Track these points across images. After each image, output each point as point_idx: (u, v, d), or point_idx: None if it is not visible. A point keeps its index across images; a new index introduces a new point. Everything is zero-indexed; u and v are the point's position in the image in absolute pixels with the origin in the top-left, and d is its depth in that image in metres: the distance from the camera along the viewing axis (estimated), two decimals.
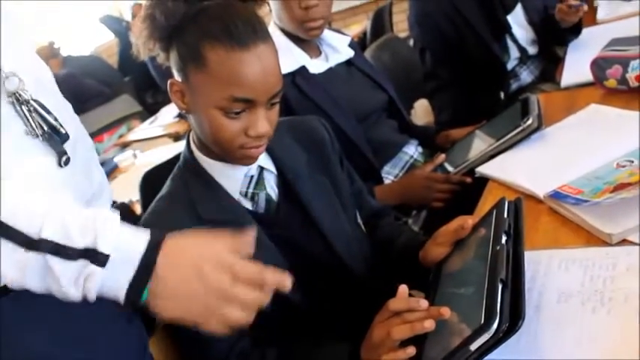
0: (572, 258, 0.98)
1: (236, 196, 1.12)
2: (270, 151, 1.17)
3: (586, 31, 2.11)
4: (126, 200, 2.23)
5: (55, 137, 0.94)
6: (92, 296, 0.80)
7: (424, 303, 0.88)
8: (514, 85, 2.16)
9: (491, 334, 0.75)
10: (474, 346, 0.76)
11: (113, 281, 0.81)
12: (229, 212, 1.10)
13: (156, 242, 0.84)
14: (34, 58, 1.04)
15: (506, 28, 2.10)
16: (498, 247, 0.88)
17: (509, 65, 2.16)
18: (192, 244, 0.87)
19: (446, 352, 0.79)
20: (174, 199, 1.11)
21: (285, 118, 1.27)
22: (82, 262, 0.78)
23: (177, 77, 1.03)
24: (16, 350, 0.92)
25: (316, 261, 1.18)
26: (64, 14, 6.33)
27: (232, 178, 1.11)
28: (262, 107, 1.00)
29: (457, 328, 0.83)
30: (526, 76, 2.17)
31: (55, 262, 0.78)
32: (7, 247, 0.77)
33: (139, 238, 0.83)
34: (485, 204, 1.30)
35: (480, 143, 1.55)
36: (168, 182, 1.15)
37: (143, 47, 1.04)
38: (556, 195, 1.12)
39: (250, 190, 1.13)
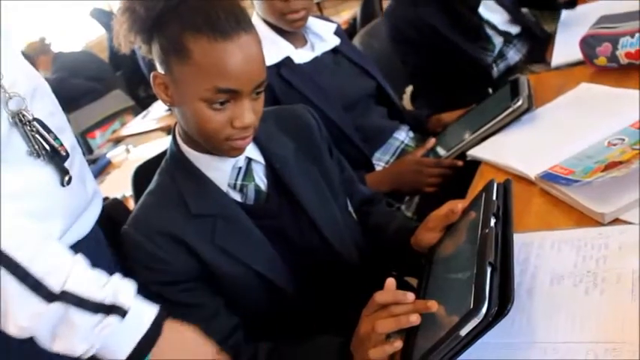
0: (564, 239, 0.97)
1: (224, 188, 1.11)
2: (257, 142, 1.15)
3: (575, 10, 2.08)
4: (119, 196, 2.22)
5: (56, 157, 0.96)
6: (96, 348, 0.86)
7: (410, 296, 0.87)
8: (501, 66, 2.12)
9: (480, 319, 0.74)
10: (463, 332, 0.75)
11: (121, 337, 0.86)
12: (218, 205, 1.09)
13: (163, 315, 0.92)
14: (28, 66, 1.05)
15: (480, 25, 2.06)
16: (487, 230, 0.87)
17: (496, 50, 2.13)
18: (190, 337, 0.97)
19: (436, 339, 0.78)
20: (163, 194, 1.10)
21: (271, 108, 1.26)
22: (100, 315, 0.84)
23: (159, 69, 1.02)
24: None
25: (308, 251, 1.17)
26: (53, 10, 6.29)
27: (220, 171, 1.10)
28: (247, 98, 0.99)
29: (449, 314, 0.82)
30: (513, 54, 2.13)
31: (75, 313, 0.83)
32: (26, 297, 0.81)
33: (149, 306, 0.91)
34: (476, 187, 1.29)
35: (471, 126, 1.53)
36: (155, 177, 1.14)
37: (124, 40, 1.02)
38: (547, 176, 1.11)
39: (239, 182, 1.12)
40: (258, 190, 1.14)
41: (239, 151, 1.06)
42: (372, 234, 1.29)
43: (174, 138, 1.12)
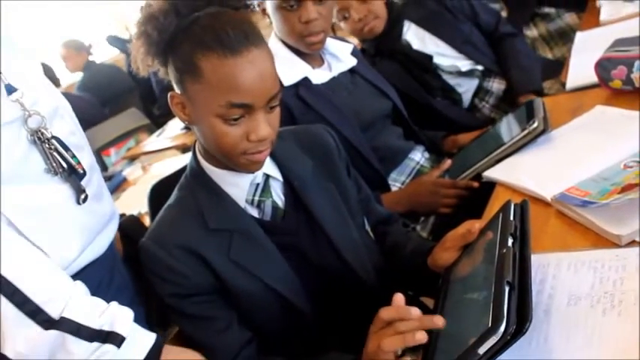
0: (581, 260, 0.97)
1: (242, 204, 1.12)
2: (275, 159, 1.17)
3: (589, 33, 2.10)
4: (135, 212, 2.24)
5: (74, 175, 0.98)
6: None
7: (415, 311, 0.88)
8: (491, 100, 2.14)
9: (498, 337, 0.75)
10: (481, 350, 0.76)
11: None
12: (235, 220, 1.11)
13: (161, 341, 0.93)
14: (50, 86, 1.08)
15: (437, 81, 2.09)
16: (504, 250, 0.88)
17: (467, 93, 2.15)
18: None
19: (454, 358, 0.79)
20: (182, 208, 1.12)
21: (290, 127, 1.28)
22: (97, 343, 0.86)
23: (176, 89, 1.05)
24: None
25: (324, 268, 1.18)
26: (77, 24, 6.35)
27: (238, 187, 1.12)
28: (261, 111, 1.01)
29: (466, 333, 0.82)
30: (497, 85, 2.15)
31: (73, 340, 0.84)
32: (24, 324, 0.83)
33: (146, 334, 0.93)
34: (492, 208, 1.29)
35: (487, 147, 1.54)
36: (175, 191, 1.16)
37: (142, 64, 1.04)
38: (563, 197, 1.12)
39: (256, 198, 1.14)
40: (275, 206, 1.15)
41: (256, 165, 1.08)
42: (388, 253, 1.30)
43: (194, 154, 1.15)
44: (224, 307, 1.11)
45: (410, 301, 1.37)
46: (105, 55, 6.35)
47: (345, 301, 1.19)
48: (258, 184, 1.14)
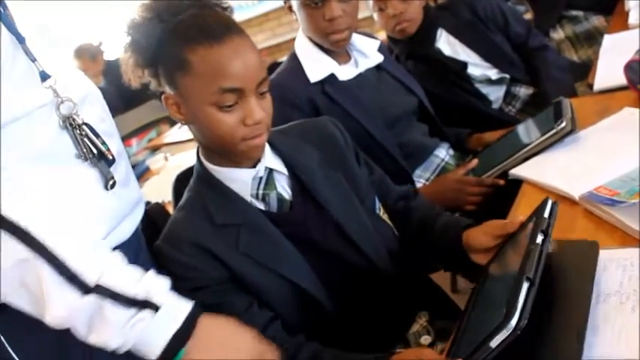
0: (610, 258, 0.98)
1: (248, 198, 1.15)
2: (280, 154, 1.20)
3: (618, 36, 2.10)
4: (159, 201, 2.27)
5: (103, 161, 1.00)
6: (131, 343, 0.90)
7: None
8: (518, 105, 2.15)
9: (509, 331, 0.74)
10: (493, 344, 0.75)
11: (155, 332, 0.90)
12: (242, 214, 1.13)
13: (198, 310, 0.95)
14: (79, 72, 1.10)
15: (472, 89, 2.10)
16: (532, 246, 0.88)
17: (497, 102, 2.16)
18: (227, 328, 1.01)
19: (468, 351, 0.79)
20: (190, 208, 1.16)
21: (294, 122, 1.33)
22: (133, 310, 0.88)
23: (169, 91, 1.07)
24: None
25: (336, 257, 1.19)
26: (97, 20, 6.38)
27: (241, 182, 1.14)
28: (252, 95, 1.04)
29: (486, 326, 0.82)
30: (525, 90, 2.15)
31: (109, 307, 0.86)
32: (63, 288, 0.85)
33: (183, 302, 0.94)
34: (519, 206, 1.30)
35: (513, 146, 1.55)
36: (185, 194, 1.20)
37: (133, 75, 1.08)
38: (591, 196, 1.13)
39: (260, 192, 1.16)
40: (280, 198, 1.17)
41: (256, 150, 1.10)
42: (417, 228, 1.31)
43: (198, 157, 1.18)
44: (242, 292, 1.12)
45: (436, 300, 1.38)
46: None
47: (360, 287, 1.20)
48: (261, 178, 1.16)
